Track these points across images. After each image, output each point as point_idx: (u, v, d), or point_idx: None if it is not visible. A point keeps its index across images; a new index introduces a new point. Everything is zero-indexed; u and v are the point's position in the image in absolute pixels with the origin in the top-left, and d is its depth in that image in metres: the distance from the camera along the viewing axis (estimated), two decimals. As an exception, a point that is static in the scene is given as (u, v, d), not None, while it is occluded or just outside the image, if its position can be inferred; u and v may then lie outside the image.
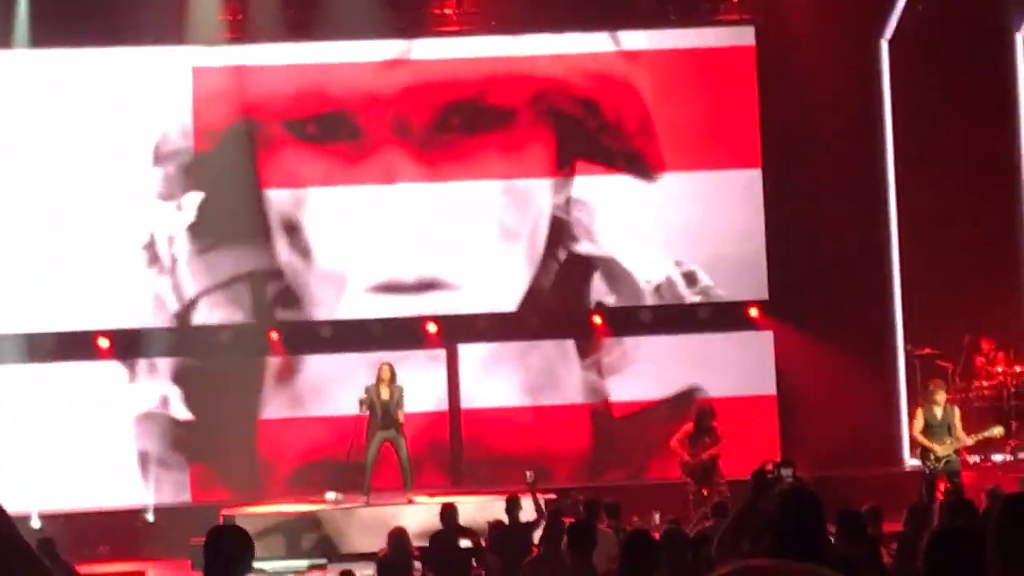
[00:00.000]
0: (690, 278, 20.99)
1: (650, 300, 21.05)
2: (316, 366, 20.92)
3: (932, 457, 17.40)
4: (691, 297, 21.11)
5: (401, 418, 18.55)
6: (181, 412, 20.56)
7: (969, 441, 17.87)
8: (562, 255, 21.08)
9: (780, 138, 20.80)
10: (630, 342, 21.04)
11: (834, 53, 20.55)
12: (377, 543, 15.99)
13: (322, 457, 20.17)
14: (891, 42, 21.18)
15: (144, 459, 20.39)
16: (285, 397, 20.86)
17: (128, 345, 20.46)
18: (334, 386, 20.42)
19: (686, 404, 19.75)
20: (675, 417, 19.30)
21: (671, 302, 21.08)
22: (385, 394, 18.56)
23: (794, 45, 20.63)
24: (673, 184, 21.04)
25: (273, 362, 20.97)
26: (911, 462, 19.60)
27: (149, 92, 20.57)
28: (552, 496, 17.46)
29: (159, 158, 20.63)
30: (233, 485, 20.24)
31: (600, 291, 21.09)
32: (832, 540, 8.35)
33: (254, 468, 20.60)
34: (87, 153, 20.38)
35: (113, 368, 20.50)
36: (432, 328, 20.95)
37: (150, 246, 20.57)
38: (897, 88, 21.15)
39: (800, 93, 20.53)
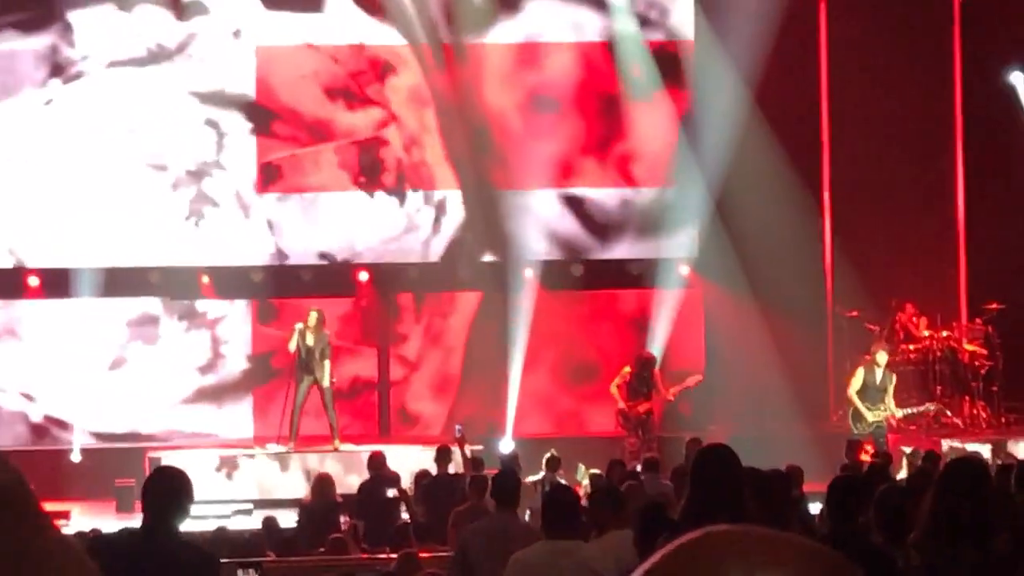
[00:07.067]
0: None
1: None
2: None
3: (863, 422, 17.54)
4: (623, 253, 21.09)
5: (327, 366, 18.50)
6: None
7: (899, 414, 17.98)
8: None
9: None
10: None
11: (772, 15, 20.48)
12: (302, 490, 15.99)
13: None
14: (830, 4, 21.16)
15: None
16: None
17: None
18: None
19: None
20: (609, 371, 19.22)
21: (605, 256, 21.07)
22: (310, 340, 18.50)
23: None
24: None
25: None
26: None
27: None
28: (479, 448, 17.44)
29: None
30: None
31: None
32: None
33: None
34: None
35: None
36: (363, 276, 20.83)
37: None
38: (834, 52, 21.16)
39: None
